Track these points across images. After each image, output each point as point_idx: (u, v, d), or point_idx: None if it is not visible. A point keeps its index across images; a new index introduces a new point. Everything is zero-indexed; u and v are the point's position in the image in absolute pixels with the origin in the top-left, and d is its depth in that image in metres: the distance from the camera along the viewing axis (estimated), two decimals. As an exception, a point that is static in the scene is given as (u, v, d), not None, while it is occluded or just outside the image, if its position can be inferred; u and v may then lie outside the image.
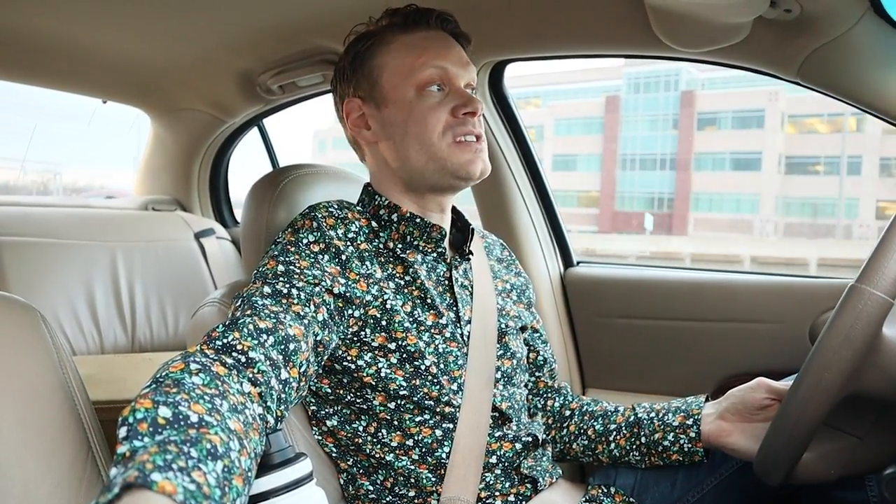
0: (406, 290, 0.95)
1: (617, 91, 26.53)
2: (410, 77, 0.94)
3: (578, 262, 1.66)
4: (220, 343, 0.72)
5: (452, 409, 0.92)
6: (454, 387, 0.93)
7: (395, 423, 0.92)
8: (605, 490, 1.05)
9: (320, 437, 0.97)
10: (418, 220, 0.98)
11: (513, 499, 0.95)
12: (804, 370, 0.77)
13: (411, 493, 0.92)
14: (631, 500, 1.04)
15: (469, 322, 0.98)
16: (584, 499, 1.03)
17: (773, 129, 22.08)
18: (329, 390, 0.94)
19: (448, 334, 0.95)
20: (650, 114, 26.15)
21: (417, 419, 0.92)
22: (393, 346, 0.90)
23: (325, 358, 0.87)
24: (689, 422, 1.00)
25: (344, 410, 0.94)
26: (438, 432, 0.92)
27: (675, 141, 25.05)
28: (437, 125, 0.94)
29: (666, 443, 1.01)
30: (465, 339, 0.97)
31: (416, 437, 0.91)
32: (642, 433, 1.04)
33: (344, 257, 0.90)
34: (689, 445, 0.99)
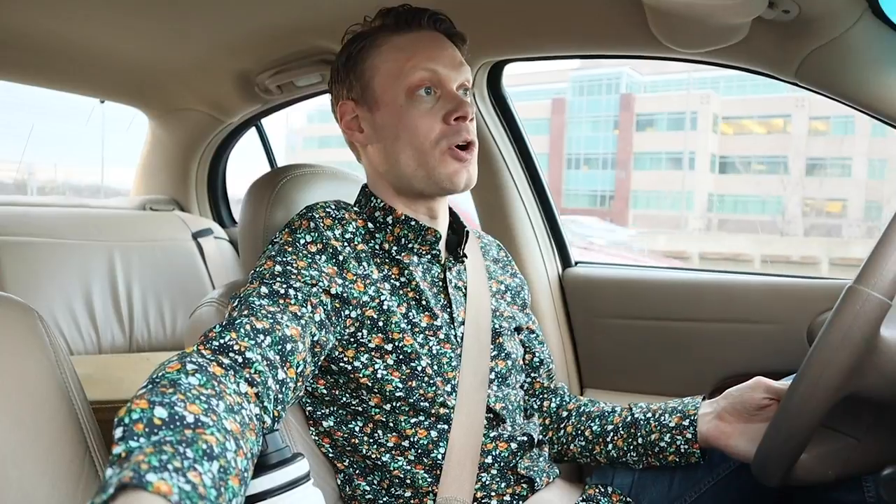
0: (402, 292, 0.95)
1: (563, 94, 27.55)
2: (400, 80, 0.93)
3: (576, 263, 1.66)
4: (217, 343, 0.72)
5: (447, 411, 0.92)
6: (448, 388, 0.93)
7: (391, 424, 0.92)
8: (603, 490, 1.05)
9: (317, 438, 0.97)
10: (413, 223, 0.97)
11: (509, 498, 0.95)
12: (802, 371, 0.77)
13: (407, 494, 0.92)
14: (628, 499, 1.04)
15: (463, 323, 0.98)
16: (581, 498, 1.03)
17: (705, 130, 22.85)
18: (325, 391, 0.94)
19: (442, 336, 0.95)
20: (593, 115, 27.18)
21: (413, 420, 0.92)
22: (390, 347, 0.90)
23: (322, 358, 0.87)
24: (686, 423, 1.00)
25: (340, 411, 0.94)
26: (434, 433, 0.92)
27: (616, 141, 26.17)
28: (431, 133, 0.92)
29: (662, 444, 1.01)
30: (459, 340, 0.97)
31: (411, 439, 0.91)
32: (639, 434, 1.04)
33: (341, 258, 0.90)
34: (686, 447, 0.99)
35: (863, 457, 0.86)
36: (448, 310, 0.98)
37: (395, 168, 0.96)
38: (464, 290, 1.02)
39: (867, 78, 1.02)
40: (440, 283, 1.00)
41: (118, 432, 0.54)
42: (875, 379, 0.77)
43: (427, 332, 0.94)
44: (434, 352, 0.94)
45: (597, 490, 1.05)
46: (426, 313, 0.95)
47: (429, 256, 1.00)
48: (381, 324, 0.90)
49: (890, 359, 0.77)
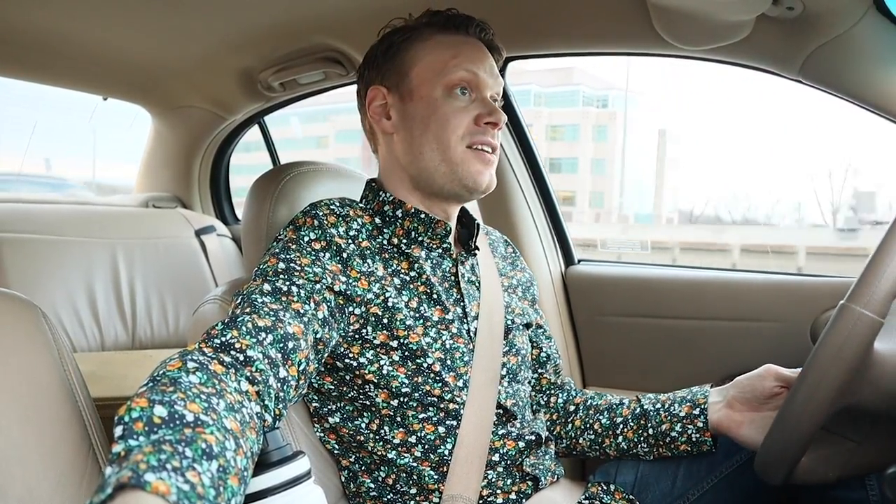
0: (412, 286, 0.94)
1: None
2: (441, 75, 0.94)
3: (580, 261, 1.65)
4: (219, 341, 0.72)
5: (456, 406, 0.92)
6: (460, 383, 0.93)
7: (398, 419, 0.92)
8: (605, 487, 1.05)
9: (322, 435, 0.97)
10: (423, 216, 0.97)
11: (514, 496, 0.95)
12: (797, 385, 0.77)
13: (413, 491, 0.92)
14: (631, 497, 1.04)
15: (476, 318, 0.98)
16: (584, 496, 1.03)
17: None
18: (332, 387, 0.94)
19: (455, 330, 0.95)
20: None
21: (420, 416, 0.91)
22: (395, 343, 0.90)
23: (326, 356, 0.86)
24: (696, 412, 1.00)
25: (346, 407, 0.94)
26: (441, 429, 0.92)
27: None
28: (459, 129, 0.94)
29: (674, 433, 1.01)
30: (472, 335, 0.97)
31: (418, 434, 0.91)
32: (649, 425, 1.04)
33: (345, 255, 0.90)
34: (698, 435, 0.99)
35: (863, 459, 0.86)
36: (461, 304, 0.98)
37: (418, 161, 0.96)
38: (477, 285, 1.02)
39: (871, 75, 1.01)
40: (452, 278, 1.00)
41: (118, 430, 0.54)
42: (870, 392, 0.77)
43: (439, 326, 0.94)
44: (447, 346, 0.93)
45: (599, 488, 1.05)
46: (438, 307, 0.95)
47: (439, 250, 1.00)
48: (385, 321, 0.90)
49: (883, 372, 0.77)
